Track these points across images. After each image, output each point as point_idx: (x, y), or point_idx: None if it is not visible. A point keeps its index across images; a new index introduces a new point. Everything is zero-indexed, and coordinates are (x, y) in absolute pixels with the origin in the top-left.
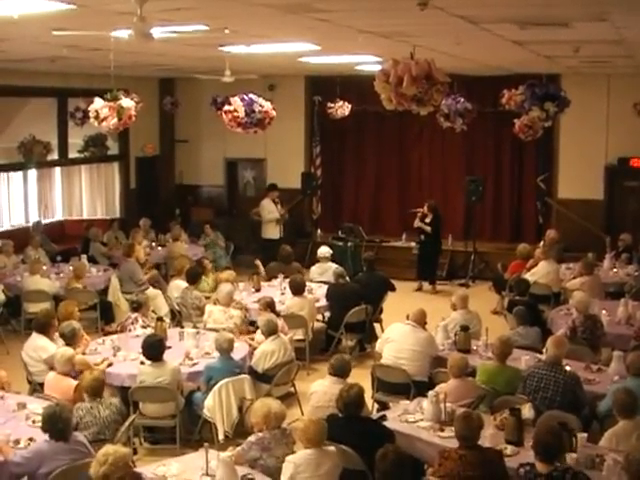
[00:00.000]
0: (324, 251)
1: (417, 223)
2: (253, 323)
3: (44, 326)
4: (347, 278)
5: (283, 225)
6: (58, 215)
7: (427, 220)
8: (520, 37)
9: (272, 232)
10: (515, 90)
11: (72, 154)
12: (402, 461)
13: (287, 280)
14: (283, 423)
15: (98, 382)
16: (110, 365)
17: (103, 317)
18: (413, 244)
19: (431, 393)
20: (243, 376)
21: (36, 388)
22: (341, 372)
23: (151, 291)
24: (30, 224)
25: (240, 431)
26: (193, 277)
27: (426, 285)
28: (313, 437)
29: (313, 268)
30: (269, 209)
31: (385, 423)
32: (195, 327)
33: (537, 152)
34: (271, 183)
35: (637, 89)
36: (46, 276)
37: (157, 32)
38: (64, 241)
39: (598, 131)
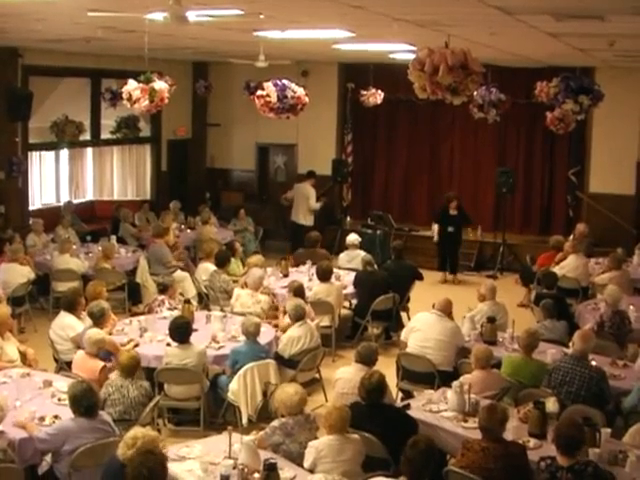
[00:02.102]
0: (353, 238)
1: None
2: (278, 308)
3: (72, 305)
4: (375, 266)
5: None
6: (89, 195)
7: (454, 212)
8: (555, 29)
9: (307, 219)
10: (549, 82)
11: (104, 135)
12: (430, 453)
13: (315, 266)
14: (307, 409)
15: (134, 361)
16: (137, 346)
17: (131, 298)
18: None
19: (455, 383)
20: (268, 361)
21: (63, 366)
22: (367, 360)
23: (179, 274)
24: (61, 204)
25: (264, 416)
26: (222, 261)
27: (441, 275)
28: (335, 423)
29: (341, 255)
30: (314, 197)
31: (409, 412)
32: (222, 310)
33: (569, 145)
34: (310, 170)
35: None
36: (75, 255)
37: (192, 15)
38: (94, 221)
39: (631, 126)
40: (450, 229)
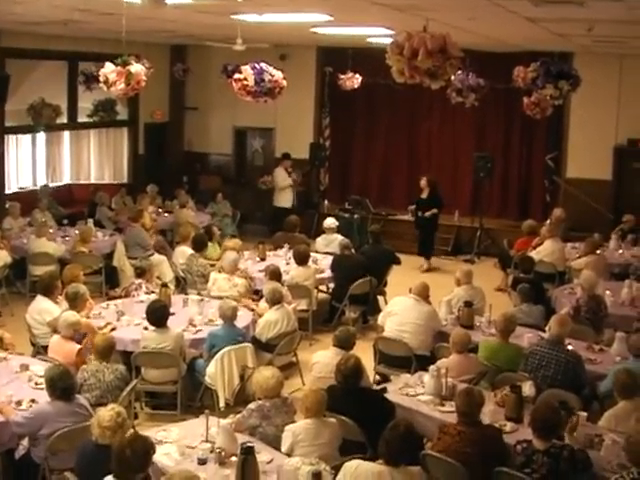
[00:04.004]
0: (330, 222)
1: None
2: (257, 292)
3: (48, 288)
4: (352, 250)
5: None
6: (66, 179)
7: (424, 195)
8: (534, 14)
9: (285, 201)
10: (526, 67)
11: (81, 118)
12: (410, 436)
13: (292, 250)
14: (284, 392)
15: (108, 343)
16: (114, 330)
17: (108, 282)
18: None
19: (432, 367)
20: (245, 344)
21: (39, 350)
22: (345, 344)
23: (156, 257)
24: (38, 187)
25: (241, 399)
26: (199, 244)
27: (422, 261)
28: (311, 406)
29: (319, 239)
30: (283, 177)
31: (385, 395)
32: (199, 294)
33: (547, 130)
34: (284, 152)
35: None
36: (52, 239)
37: None
38: (71, 205)
39: (608, 111)
40: (419, 213)
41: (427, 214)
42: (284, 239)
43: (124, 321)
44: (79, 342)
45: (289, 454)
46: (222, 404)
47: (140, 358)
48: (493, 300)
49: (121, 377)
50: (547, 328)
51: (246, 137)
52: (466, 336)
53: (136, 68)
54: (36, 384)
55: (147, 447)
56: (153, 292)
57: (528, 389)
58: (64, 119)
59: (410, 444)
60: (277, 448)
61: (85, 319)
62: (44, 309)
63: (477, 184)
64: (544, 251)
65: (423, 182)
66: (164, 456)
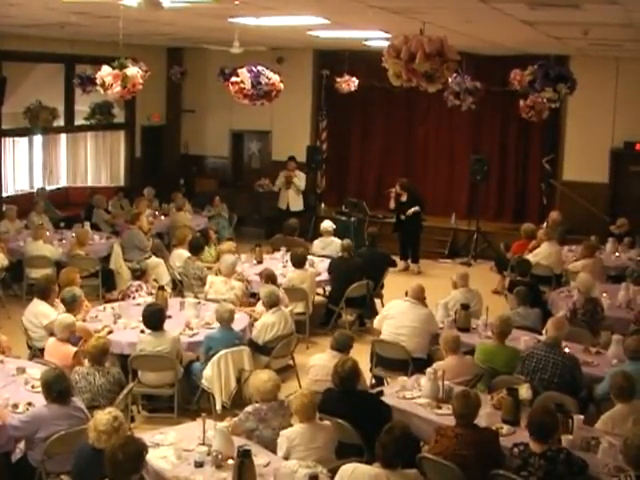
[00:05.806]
0: (327, 225)
1: (393, 204)
2: (254, 295)
3: (45, 292)
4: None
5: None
6: (62, 182)
7: (403, 199)
8: (530, 17)
9: (281, 202)
10: (523, 70)
11: (78, 121)
12: (406, 439)
13: (289, 253)
14: (281, 395)
15: (97, 350)
16: (110, 333)
17: (104, 285)
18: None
19: (429, 370)
20: (242, 347)
21: (36, 353)
22: (342, 347)
23: (153, 260)
24: (34, 190)
25: (238, 402)
26: (196, 247)
27: (412, 265)
28: (301, 409)
29: (316, 242)
30: (281, 179)
31: (382, 398)
32: (196, 297)
33: (543, 133)
34: (290, 155)
35: None
36: (49, 242)
37: (166, 1)
38: (68, 208)
39: (605, 114)
40: (402, 217)
41: (409, 212)
42: (282, 242)
43: (121, 324)
44: (75, 345)
45: (286, 458)
46: (219, 407)
47: (137, 361)
48: (490, 303)
49: (114, 381)
50: (544, 331)
51: (243, 140)
52: (455, 335)
53: (132, 71)
54: (33, 387)
55: (139, 448)
56: (151, 294)
57: (525, 392)
58: (61, 122)
59: (406, 447)
60: (274, 451)
61: (80, 322)
62: (41, 312)
63: (473, 187)
64: (541, 254)
65: (398, 189)
66: (161, 459)
